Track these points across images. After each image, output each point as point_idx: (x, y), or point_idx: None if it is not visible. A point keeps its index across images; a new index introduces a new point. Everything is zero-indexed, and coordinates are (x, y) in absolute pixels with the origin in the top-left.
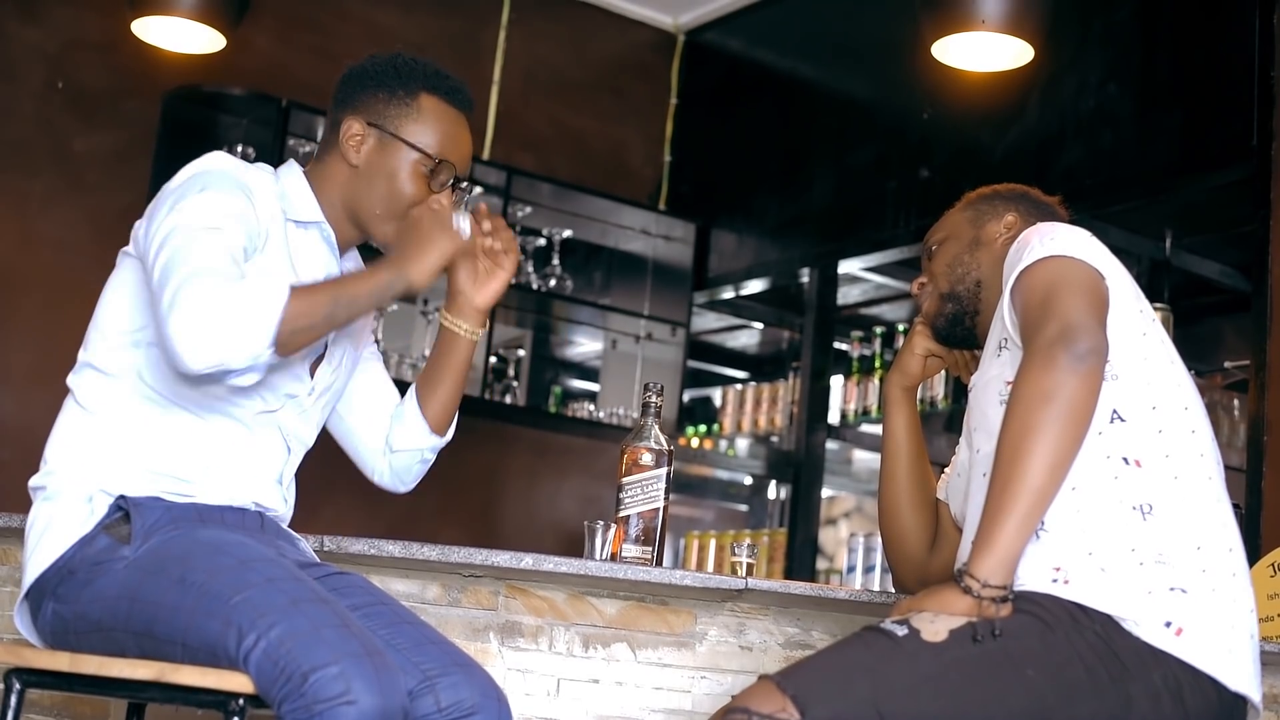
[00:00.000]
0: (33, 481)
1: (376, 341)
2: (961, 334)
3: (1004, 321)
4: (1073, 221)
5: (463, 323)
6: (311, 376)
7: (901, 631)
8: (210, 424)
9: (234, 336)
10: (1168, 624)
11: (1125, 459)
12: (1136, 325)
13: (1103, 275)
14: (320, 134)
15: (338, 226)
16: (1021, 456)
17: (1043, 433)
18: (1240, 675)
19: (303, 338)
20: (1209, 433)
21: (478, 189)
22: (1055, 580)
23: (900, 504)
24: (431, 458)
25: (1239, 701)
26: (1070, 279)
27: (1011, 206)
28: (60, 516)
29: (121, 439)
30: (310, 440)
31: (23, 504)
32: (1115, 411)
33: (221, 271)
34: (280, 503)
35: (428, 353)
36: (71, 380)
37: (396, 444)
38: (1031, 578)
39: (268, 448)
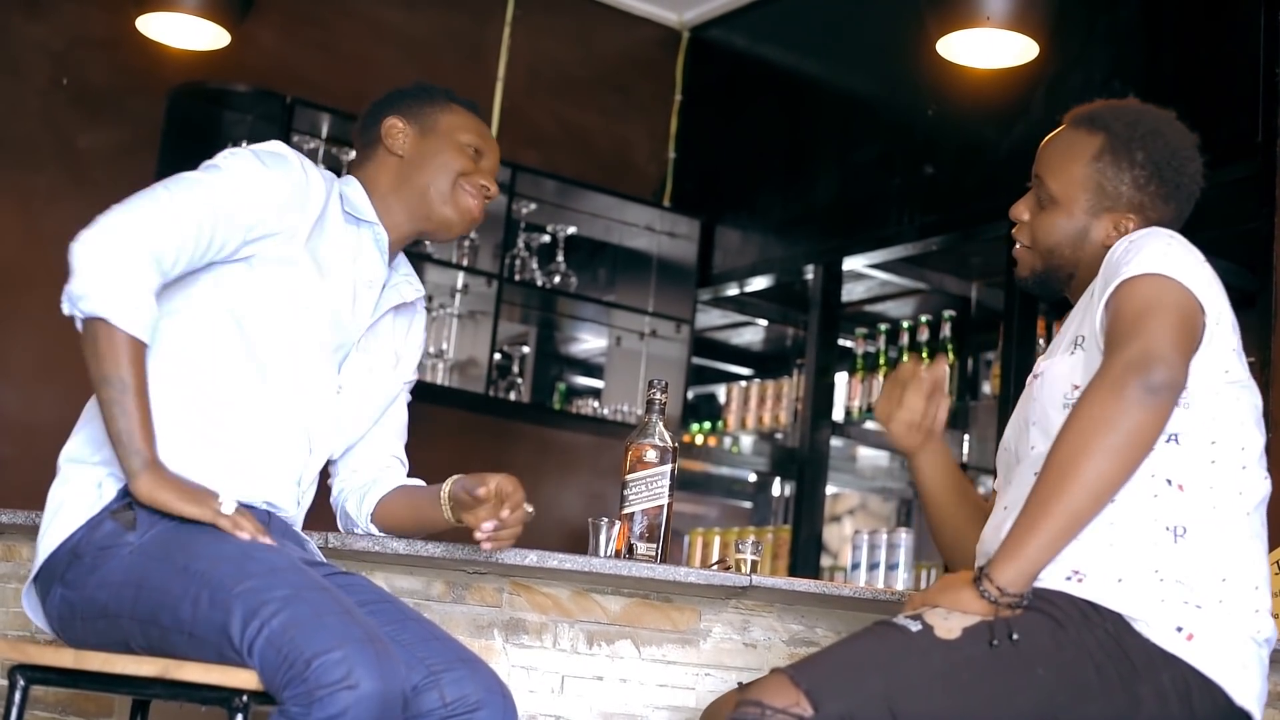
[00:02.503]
0: (60, 459)
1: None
2: (1042, 294)
3: (1094, 317)
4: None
5: (455, 513)
6: (338, 373)
7: (915, 627)
8: (232, 420)
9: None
10: (1179, 629)
11: (1169, 480)
12: (1223, 361)
13: (1204, 309)
14: (351, 158)
15: (391, 226)
16: (1069, 477)
17: (1095, 459)
18: (1248, 691)
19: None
20: (1261, 474)
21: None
22: (1069, 579)
23: (959, 538)
24: (359, 532)
25: (1243, 716)
26: (1168, 304)
27: (1137, 199)
28: (71, 499)
29: None
30: (336, 449)
31: (27, 501)
32: (1174, 435)
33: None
34: (292, 504)
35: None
36: None
37: (348, 503)
38: (1047, 576)
39: (289, 447)
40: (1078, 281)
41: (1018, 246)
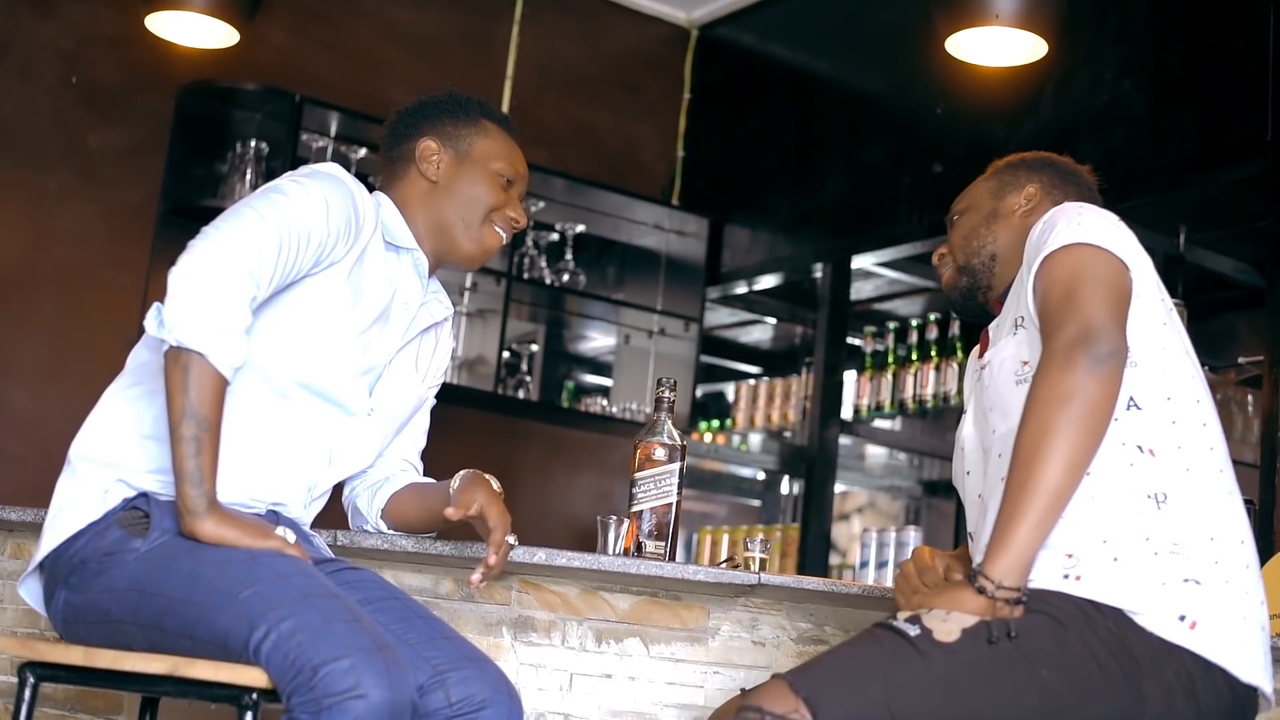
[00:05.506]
0: (70, 451)
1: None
2: (975, 309)
3: (1025, 300)
4: (1101, 190)
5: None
6: (370, 395)
7: (914, 631)
8: (248, 428)
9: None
10: (1181, 617)
11: (1140, 447)
12: (1157, 314)
13: (1127, 266)
14: (381, 169)
15: (422, 249)
16: (1039, 457)
17: (1061, 433)
18: (1252, 667)
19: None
20: (1219, 427)
21: None
22: (1067, 576)
23: None
24: (369, 529)
25: (1250, 693)
26: (1093, 273)
27: (1035, 176)
28: (76, 499)
29: (153, 437)
30: (364, 462)
31: (36, 498)
32: (1131, 399)
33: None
34: (300, 508)
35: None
36: (121, 374)
37: (360, 500)
38: (1044, 570)
39: (306, 458)
40: (1000, 265)
41: (943, 271)
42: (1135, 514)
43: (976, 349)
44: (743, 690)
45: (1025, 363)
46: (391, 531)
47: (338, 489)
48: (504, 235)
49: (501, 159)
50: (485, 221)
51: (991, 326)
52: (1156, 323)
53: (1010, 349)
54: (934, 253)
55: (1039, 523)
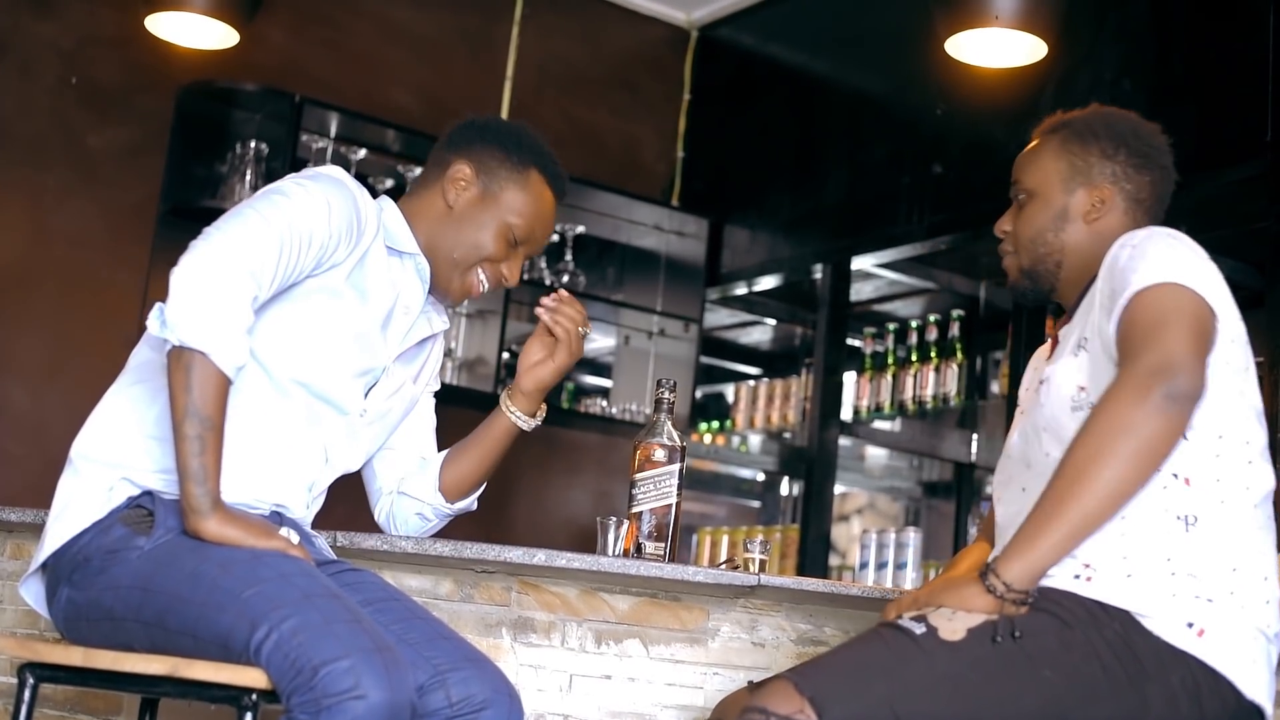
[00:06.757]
0: (71, 450)
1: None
2: (1037, 301)
3: (1093, 320)
4: (1178, 166)
5: (511, 403)
6: (364, 397)
7: (919, 630)
8: (249, 428)
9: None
10: (1189, 624)
11: (1175, 474)
12: (1225, 353)
13: (1215, 313)
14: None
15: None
16: (1084, 480)
17: (1112, 463)
18: (1258, 684)
19: (190, 356)
20: (1268, 468)
21: None
22: (1078, 577)
23: None
24: (433, 519)
25: (1254, 710)
26: (1185, 312)
27: (1109, 166)
28: (80, 497)
29: (156, 436)
30: (354, 463)
31: (36, 499)
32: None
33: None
34: (302, 508)
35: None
36: (123, 373)
37: (405, 486)
38: (1056, 574)
39: (305, 457)
40: (1065, 271)
41: (1005, 258)
42: (1162, 532)
43: (1045, 347)
44: (750, 683)
45: (1082, 388)
46: (449, 508)
47: (334, 491)
48: (485, 287)
49: (522, 217)
50: (474, 269)
51: (1062, 331)
52: (1221, 361)
53: (1070, 371)
54: (997, 225)
55: (1063, 540)
